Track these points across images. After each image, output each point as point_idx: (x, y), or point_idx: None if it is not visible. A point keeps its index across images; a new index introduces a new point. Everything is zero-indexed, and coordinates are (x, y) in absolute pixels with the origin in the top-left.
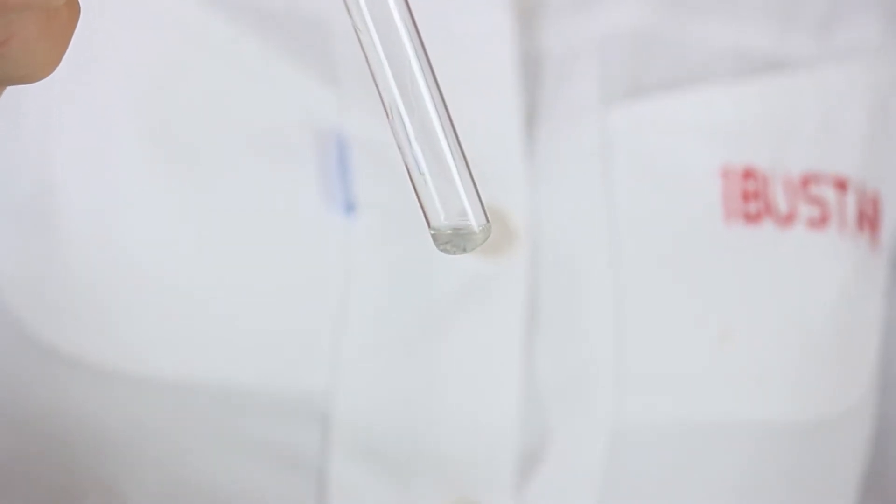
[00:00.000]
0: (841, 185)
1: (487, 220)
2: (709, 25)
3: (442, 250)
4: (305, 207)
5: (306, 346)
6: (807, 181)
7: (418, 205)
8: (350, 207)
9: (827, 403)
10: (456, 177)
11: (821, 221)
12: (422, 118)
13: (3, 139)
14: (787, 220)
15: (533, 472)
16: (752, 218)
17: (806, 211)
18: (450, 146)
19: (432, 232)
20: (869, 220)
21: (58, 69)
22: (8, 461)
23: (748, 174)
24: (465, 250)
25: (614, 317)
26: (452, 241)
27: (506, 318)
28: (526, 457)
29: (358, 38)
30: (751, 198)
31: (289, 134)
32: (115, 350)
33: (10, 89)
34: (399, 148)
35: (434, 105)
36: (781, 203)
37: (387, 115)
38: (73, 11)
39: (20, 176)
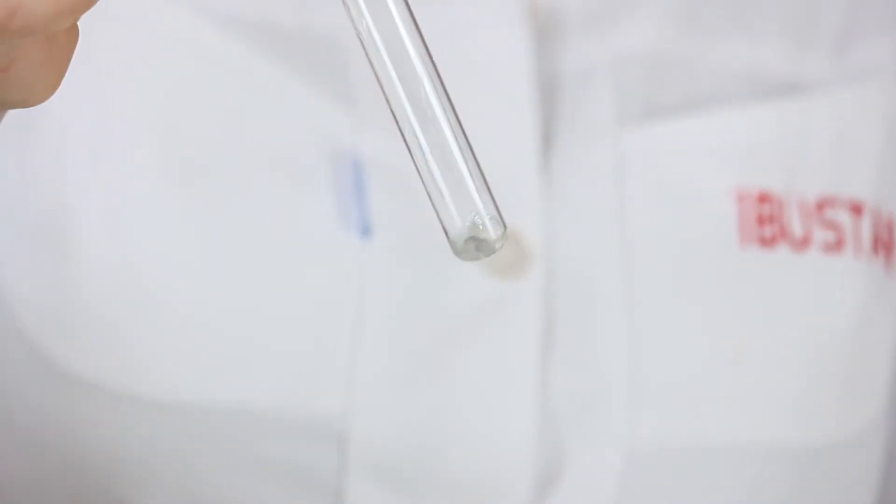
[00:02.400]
0: (856, 209)
1: (504, 226)
2: (724, 47)
3: (459, 257)
4: (321, 229)
5: (322, 368)
6: (822, 205)
7: (435, 213)
8: (366, 229)
9: (839, 426)
10: (471, 184)
11: (836, 245)
12: (434, 127)
13: (19, 163)
14: (802, 244)
15: (548, 493)
16: (767, 242)
17: (821, 235)
18: (462, 153)
19: (450, 240)
20: (884, 243)
21: (73, 92)
22: (26, 483)
23: (763, 198)
24: (482, 257)
25: (628, 338)
26: (470, 248)
27: (521, 340)
28: (541, 477)
29: (365, 51)
30: (766, 221)
31: (304, 155)
32: (131, 373)
33: (23, 112)
34: (412, 157)
35: (445, 113)
36: (796, 227)
37: (398, 127)
38: (72, 36)
39: (36, 200)
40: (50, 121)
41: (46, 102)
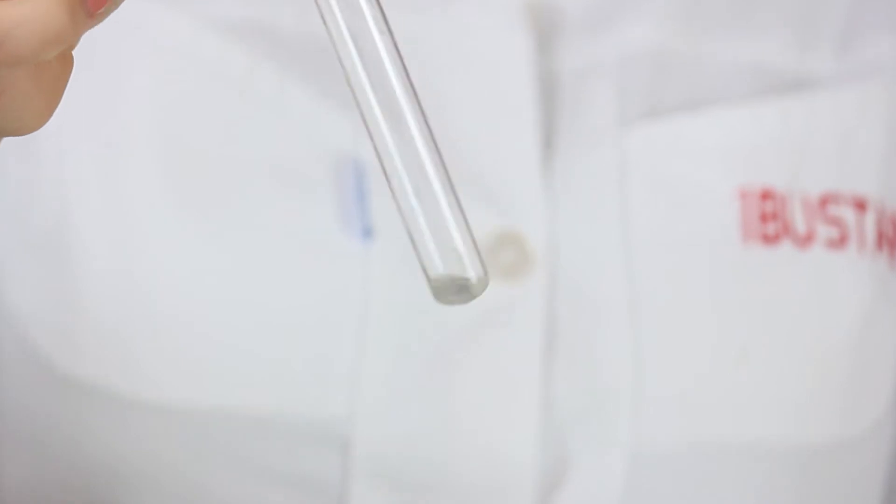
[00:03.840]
0: (860, 206)
1: (485, 272)
2: (727, 44)
3: (439, 300)
4: (323, 234)
5: (325, 373)
6: (825, 201)
7: (416, 257)
8: (367, 233)
9: (845, 425)
10: (453, 229)
11: (840, 242)
12: (418, 173)
13: (21, 173)
14: (806, 241)
15: (552, 498)
16: (770, 239)
17: (824, 232)
18: (447, 199)
19: (431, 284)
20: (888, 240)
21: (74, 101)
22: (30, 489)
23: (766, 195)
24: (462, 302)
25: (632, 340)
26: (450, 292)
27: (524, 343)
28: (544, 482)
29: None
30: (769, 219)
31: (306, 161)
32: (134, 379)
33: None
34: (396, 202)
35: (430, 159)
36: (800, 224)
37: (384, 173)
38: (66, 64)
39: (38, 210)
40: (52, 129)
41: None
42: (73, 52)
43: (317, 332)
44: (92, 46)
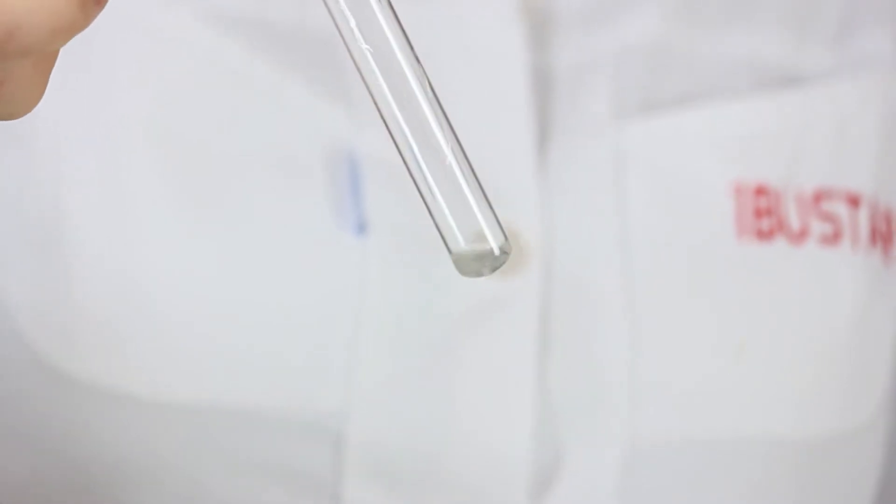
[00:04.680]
0: (854, 201)
1: (506, 239)
2: (723, 38)
3: (464, 274)
4: (317, 228)
5: (320, 368)
6: (819, 197)
7: (437, 232)
8: (362, 227)
9: (841, 419)
10: (471, 200)
11: (833, 238)
12: (431, 144)
13: (16, 166)
14: (800, 236)
15: (547, 493)
16: (764, 235)
17: (818, 227)
18: (462, 170)
19: (453, 258)
20: (882, 235)
21: (70, 94)
22: (25, 485)
23: (761, 191)
24: (487, 273)
25: (628, 334)
26: (474, 264)
27: (519, 338)
28: (540, 477)
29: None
30: (763, 215)
31: (301, 154)
32: (128, 374)
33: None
34: (412, 177)
35: (442, 130)
36: (794, 220)
37: (395, 146)
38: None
39: (33, 202)
40: (47, 123)
41: (43, 105)
42: (69, 47)
43: (311, 326)
44: (88, 40)
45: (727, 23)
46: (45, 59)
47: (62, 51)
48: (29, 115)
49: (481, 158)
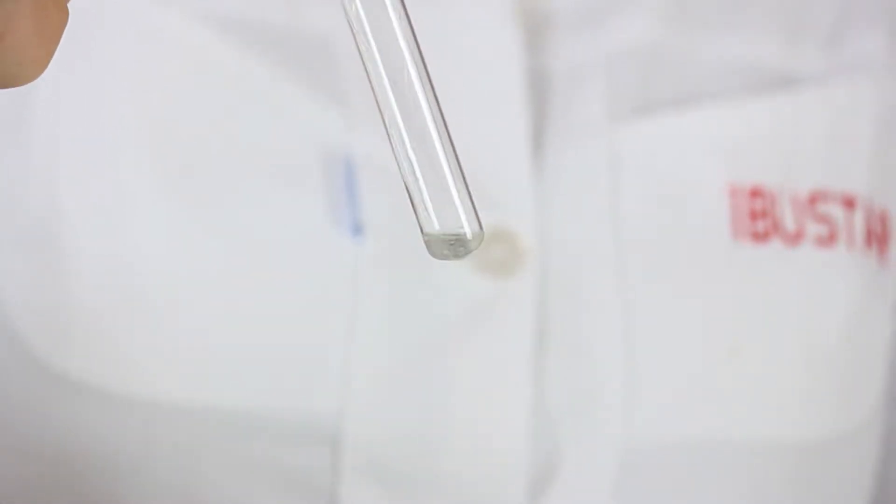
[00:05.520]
0: (849, 203)
1: (481, 227)
2: (717, 40)
3: (434, 256)
4: (313, 230)
5: (315, 369)
6: (814, 199)
7: (412, 210)
8: (357, 229)
9: (835, 421)
10: (451, 183)
11: (829, 240)
12: (417, 125)
13: (11, 164)
14: (795, 238)
15: (543, 493)
16: (759, 237)
17: (814, 229)
18: (444, 152)
19: (426, 238)
20: (877, 237)
21: (65, 93)
22: (21, 486)
23: (756, 193)
24: (458, 257)
25: (623, 335)
26: (446, 247)
27: (515, 339)
28: (536, 477)
29: (357, 47)
30: (758, 217)
31: (296, 156)
32: (123, 374)
33: (15, 109)
34: (394, 155)
35: (430, 112)
36: (789, 222)
37: (383, 122)
38: (63, 14)
39: (27, 201)
40: (43, 122)
41: (39, 103)
42: (64, 47)
43: (308, 327)
44: (83, 39)
45: (721, 25)
46: (48, 20)
47: (61, 50)
48: (25, 114)
49: (477, 160)
